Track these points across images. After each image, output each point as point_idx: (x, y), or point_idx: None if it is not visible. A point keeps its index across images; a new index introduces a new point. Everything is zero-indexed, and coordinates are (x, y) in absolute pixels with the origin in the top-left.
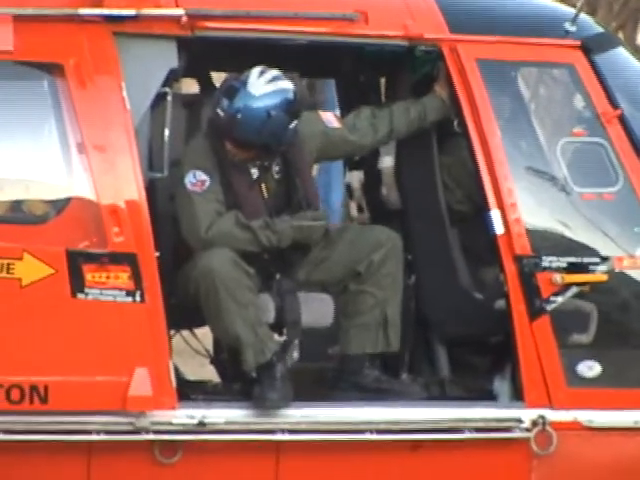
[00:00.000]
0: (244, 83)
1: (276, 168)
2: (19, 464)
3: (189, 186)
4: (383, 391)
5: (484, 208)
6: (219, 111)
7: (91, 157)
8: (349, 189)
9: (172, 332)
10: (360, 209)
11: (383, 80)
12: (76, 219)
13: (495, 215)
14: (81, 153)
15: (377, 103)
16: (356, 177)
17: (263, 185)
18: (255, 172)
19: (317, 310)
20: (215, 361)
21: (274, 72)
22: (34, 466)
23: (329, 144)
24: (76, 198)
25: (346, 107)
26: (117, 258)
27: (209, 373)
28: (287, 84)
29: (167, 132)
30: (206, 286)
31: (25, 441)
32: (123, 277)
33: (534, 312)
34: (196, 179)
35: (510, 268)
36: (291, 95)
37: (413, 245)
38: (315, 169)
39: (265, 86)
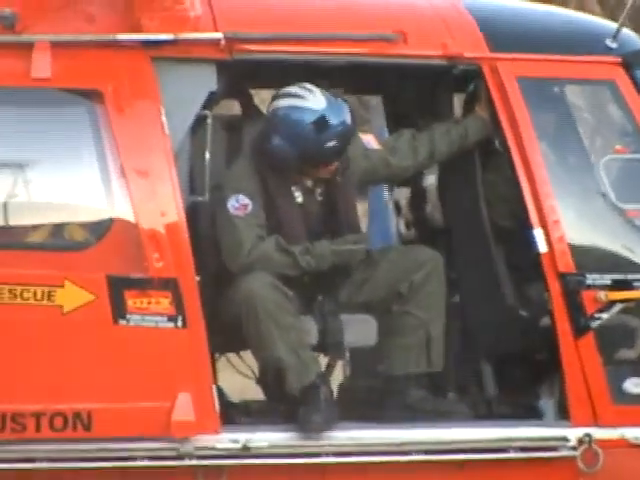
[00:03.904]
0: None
1: (319, 190)
2: None
3: (232, 210)
4: (429, 411)
5: (528, 225)
6: (329, 144)
7: (131, 182)
8: (397, 206)
9: (217, 355)
10: (408, 225)
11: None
12: (116, 245)
13: (538, 233)
14: (121, 179)
15: (424, 120)
16: (404, 194)
17: (306, 208)
18: (299, 195)
19: (360, 331)
20: (261, 382)
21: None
22: None
23: (370, 166)
24: (116, 224)
25: (393, 125)
26: (158, 283)
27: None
28: None
29: (208, 155)
30: (247, 310)
31: (69, 469)
32: (164, 302)
33: (579, 330)
34: (239, 203)
35: (554, 286)
36: None
37: (457, 263)
38: None
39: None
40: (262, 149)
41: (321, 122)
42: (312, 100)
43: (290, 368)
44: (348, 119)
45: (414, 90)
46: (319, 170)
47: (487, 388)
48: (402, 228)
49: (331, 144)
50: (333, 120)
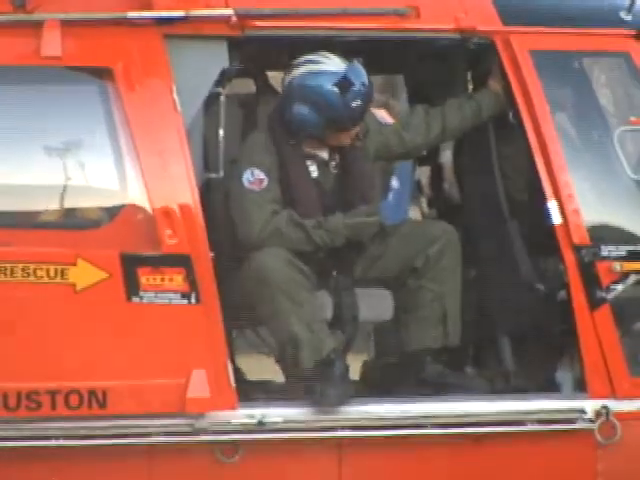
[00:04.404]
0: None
1: (333, 163)
2: (80, 470)
3: (247, 184)
4: (446, 385)
5: (543, 197)
6: (353, 104)
7: (142, 160)
8: (419, 185)
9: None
10: (430, 204)
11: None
12: (129, 223)
13: (552, 206)
14: (132, 156)
15: (441, 98)
16: (425, 172)
17: (321, 183)
18: (314, 170)
19: (376, 306)
20: (278, 358)
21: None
22: (95, 471)
23: (384, 141)
24: (129, 202)
25: (415, 103)
26: (171, 260)
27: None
28: None
29: (222, 132)
30: (261, 286)
31: (85, 446)
32: (178, 279)
33: (594, 302)
34: (254, 177)
35: (569, 258)
36: None
37: (474, 238)
38: None
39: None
40: (281, 120)
41: (344, 83)
42: (330, 64)
43: (304, 343)
44: (368, 81)
45: (430, 67)
46: (340, 136)
47: (504, 362)
48: (424, 207)
49: (355, 104)
50: (355, 80)
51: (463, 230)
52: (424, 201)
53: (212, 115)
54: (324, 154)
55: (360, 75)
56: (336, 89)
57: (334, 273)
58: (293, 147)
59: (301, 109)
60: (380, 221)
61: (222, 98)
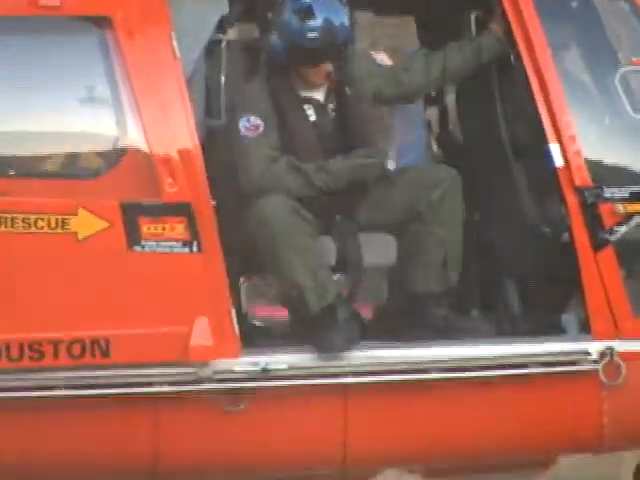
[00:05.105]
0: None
1: (330, 106)
2: (84, 419)
3: (243, 131)
4: (451, 329)
5: (545, 140)
6: (309, 35)
7: (142, 108)
8: (429, 125)
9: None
10: (439, 144)
11: None
12: (130, 172)
13: (554, 148)
14: (132, 105)
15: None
16: (434, 113)
17: (320, 126)
18: (312, 113)
19: (379, 251)
20: (283, 304)
21: None
22: (100, 421)
23: (382, 83)
24: (129, 150)
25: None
26: (172, 209)
27: None
28: None
29: (223, 79)
30: (263, 234)
31: (89, 396)
32: (179, 228)
33: (597, 243)
34: (250, 124)
35: (571, 200)
36: None
37: (477, 181)
38: None
39: None
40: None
41: (304, 11)
42: None
43: (308, 290)
44: (339, 21)
45: (435, 11)
46: (310, 73)
47: (509, 305)
48: (434, 147)
49: (312, 36)
50: (318, 13)
51: (467, 172)
52: (434, 142)
53: (214, 61)
54: (320, 96)
55: (330, 11)
56: (295, 15)
57: (337, 218)
58: (289, 91)
59: (273, 37)
60: (382, 163)
61: (223, 44)
